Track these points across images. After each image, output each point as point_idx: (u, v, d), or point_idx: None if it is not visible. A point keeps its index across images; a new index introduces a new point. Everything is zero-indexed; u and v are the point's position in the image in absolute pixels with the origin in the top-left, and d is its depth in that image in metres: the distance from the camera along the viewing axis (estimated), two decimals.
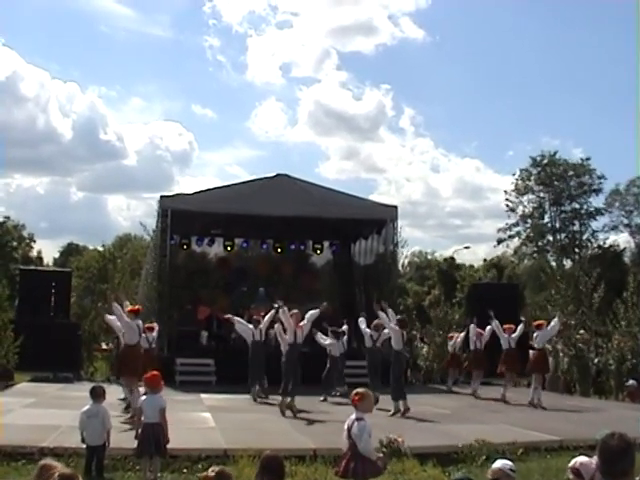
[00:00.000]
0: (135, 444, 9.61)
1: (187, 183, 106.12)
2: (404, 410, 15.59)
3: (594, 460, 5.93)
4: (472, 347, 20.40)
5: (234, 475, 5.73)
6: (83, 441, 9.68)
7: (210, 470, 5.41)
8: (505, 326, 19.18)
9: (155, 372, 10.54)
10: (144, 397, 9.86)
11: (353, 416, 7.72)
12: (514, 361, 19.08)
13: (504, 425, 14.30)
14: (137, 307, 15.71)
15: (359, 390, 8.17)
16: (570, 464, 6.21)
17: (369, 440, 7.63)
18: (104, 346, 27.17)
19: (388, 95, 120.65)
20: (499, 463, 5.79)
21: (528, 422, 14.60)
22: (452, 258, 68.03)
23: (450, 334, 22.96)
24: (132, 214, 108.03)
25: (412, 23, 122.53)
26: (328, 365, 19.36)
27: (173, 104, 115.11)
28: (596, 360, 22.23)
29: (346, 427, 7.72)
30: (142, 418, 9.56)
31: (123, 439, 10.13)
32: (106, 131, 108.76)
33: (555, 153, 63.66)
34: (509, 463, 5.81)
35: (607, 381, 21.67)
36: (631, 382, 20.38)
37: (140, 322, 15.17)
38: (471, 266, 69.03)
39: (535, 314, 25.54)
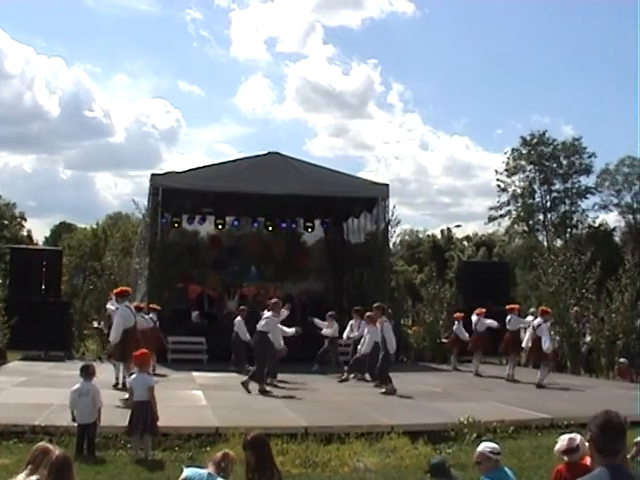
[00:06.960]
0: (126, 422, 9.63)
1: (175, 161, 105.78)
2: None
3: (579, 437, 5.94)
4: (473, 329, 20.59)
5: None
6: (74, 419, 9.67)
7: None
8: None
9: (144, 350, 10.53)
10: (134, 376, 9.85)
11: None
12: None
13: (495, 403, 14.35)
14: (124, 289, 15.83)
15: None
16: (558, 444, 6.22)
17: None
18: (95, 325, 27.11)
19: (376, 70, 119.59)
20: (481, 446, 5.83)
21: (519, 400, 14.64)
22: (449, 230, 68.31)
23: (456, 314, 22.51)
24: (120, 192, 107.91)
25: None
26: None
27: (159, 81, 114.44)
28: (588, 339, 22.26)
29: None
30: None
31: (114, 417, 10.10)
32: (92, 108, 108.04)
33: (544, 133, 63.74)
34: (491, 445, 5.82)
35: (598, 360, 21.72)
36: (622, 360, 20.47)
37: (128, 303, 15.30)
38: (467, 237, 69.19)
39: (526, 293, 25.49)
